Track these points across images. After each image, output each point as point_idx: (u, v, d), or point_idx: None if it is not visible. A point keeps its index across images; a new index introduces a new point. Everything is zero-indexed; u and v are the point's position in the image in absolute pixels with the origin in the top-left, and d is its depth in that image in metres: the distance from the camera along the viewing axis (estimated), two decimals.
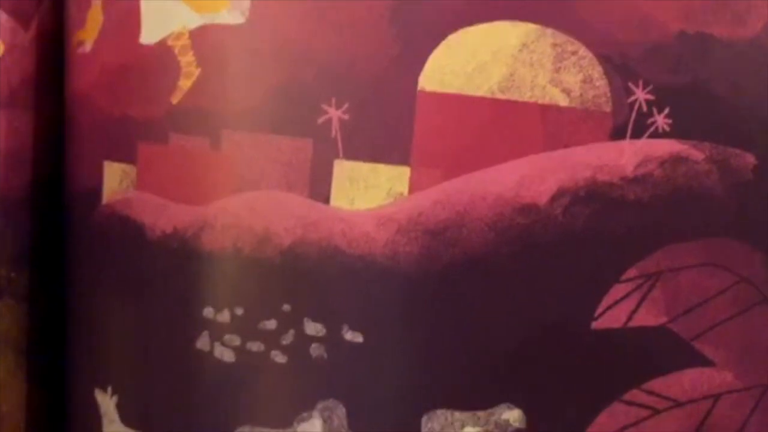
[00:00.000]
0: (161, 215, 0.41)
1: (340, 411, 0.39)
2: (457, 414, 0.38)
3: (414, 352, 0.38)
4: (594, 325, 0.37)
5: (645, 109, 0.37)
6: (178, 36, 0.40)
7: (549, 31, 0.37)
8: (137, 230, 0.42)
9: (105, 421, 0.44)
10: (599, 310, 0.37)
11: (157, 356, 0.42)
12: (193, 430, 0.41)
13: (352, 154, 0.38)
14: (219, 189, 0.40)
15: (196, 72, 0.40)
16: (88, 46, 0.44)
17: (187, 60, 0.40)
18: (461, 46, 0.37)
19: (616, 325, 0.37)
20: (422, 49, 0.37)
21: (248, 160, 0.39)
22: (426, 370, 0.38)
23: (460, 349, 0.38)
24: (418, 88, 0.38)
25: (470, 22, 0.37)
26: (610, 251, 0.37)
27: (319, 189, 0.39)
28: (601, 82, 0.37)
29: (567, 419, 0.38)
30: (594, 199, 0.37)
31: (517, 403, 0.38)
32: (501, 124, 0.37)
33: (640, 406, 0.38)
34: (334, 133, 0.38)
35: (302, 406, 0.39)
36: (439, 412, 0.38)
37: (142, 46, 0.41)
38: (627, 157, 0.37)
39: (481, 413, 0.38)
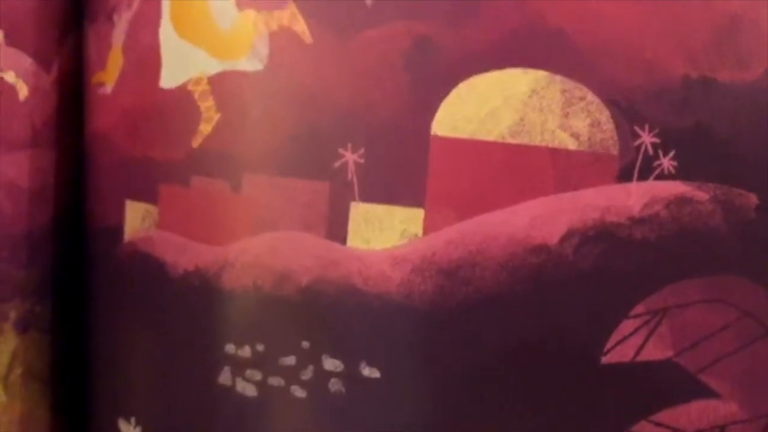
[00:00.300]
0: (183, 254, 0.42)
1: None
2: None
3: (429, 387, 0.39)
4: (603, 359, 0.39)
5: (651, 151, 0.38)
6: (198, 81, 0.41)
7: (558, 77, 0.38)
8: (159, 268, 0.43)
9: None
10: (608, 345, 0.39)
11: (180, 389, 0.43)
12: None
13: (368, 197, 0.39)
14: (239, 230, 0.41)
15: (216, 117, 0.41)
16: (108, 88, 0.46)
17: (206, 105, 0.41)
18: (473, 93, 0.38)
19: (625, 359, 0.39)
20: (435, 96, 0.38)
21: (268, 202, 0.40)
22: (441, 405, 0.39)
23: (474, 384, 0.39)
24: (431, 133, 0.39)
25: (481, 70, 0.38)
26: (618, 289, 0.38)
27: (336, 230, 0.40)
28: (608, 126, 0.38)
29: None
30: (603, 238, 0.38)
31: None
32: (512, 168, 0.38)
33: None
34: (350, 176, 0.40)
35: None
36: None
37: (162, 90, 0.43)
38: (634, 198, 0.38)
39: None
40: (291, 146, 0.40)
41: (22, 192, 0.47)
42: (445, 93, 0.38)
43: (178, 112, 0.42)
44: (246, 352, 0.41)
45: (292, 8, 0.40)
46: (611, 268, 0.38)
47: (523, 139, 0.38)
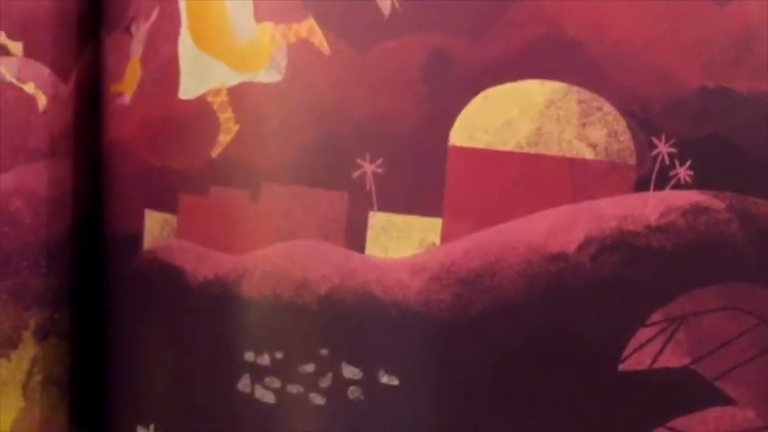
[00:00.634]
0: (202, 262, 0.43)
1: None
2: None
3: (448, 395, 0.40)
4: (621, 367, 0.39)
5: (667, 161, 0.38)
6: (217, 93, 0.42)
7: (575, 88, 0.38)
8: (178, 276, 0.44)
9: None
10: (626, 352, 0.39)
11: (199, 396, 0.44)
12: None
13: (386, 206, 0.40)
14: (258, 239, 0.41)
15: (235, 128, 0.41)
16: (126, 98, 0.46)
17: (226, 116, 0.42)
18: (490, 103, 0.39)
19: (642, 366, 0.39)
20: (452, 106, 0.39)
21: (286, 212, 0.41)
22: (459, 413, 0.40)
23: (492, 391, 0.39)
24: (449, 143, 0.39)
25: (498, 81, 0.39)
26: (635, 296, 0.39)
27: (355, 239, 0.40)
28: (625, 137, 0.38)
29: None
30: (620, 247, 0.38)
31: None
32: (529, 177, 0.38)
33: None
34: (368, 186, 0.40)
35: None
36: None
37: (181, 101, 0.43)
38: (651, 207, 0.38)
39: None
40: (310, 156, 0.40)
41: (41, 201, 0.47)
42: (463, 104, 0.39)
43: (197, 122, 0.43)
44: (265, 359, 0.42)
45: (311, 20, 0.40)
46: (628, 276, 0.38)
47: (540, 149, 0.38)
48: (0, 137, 0.45)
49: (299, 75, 0.40)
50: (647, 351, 0.39)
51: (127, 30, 0.46)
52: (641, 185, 0.38)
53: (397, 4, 0.39)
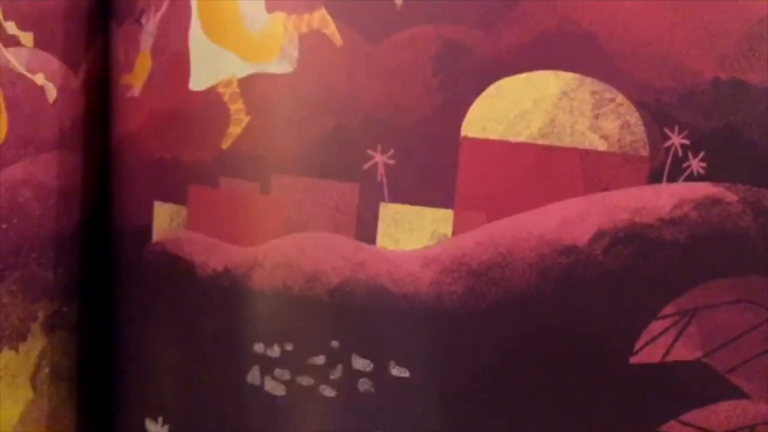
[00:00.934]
0: (212, 255, 0.43)
1: None
2: None
3: (458, 386, 0.40)
4: (633, 359, 0.39)
5: (680, 153, 0.38)
6: (228, 84, 0.42)
7: (588, 79, 0.38)
8: (188, 268, 0.44)
9: None
10: (638, 345, 0.39)
11: (209, 388, 0.44)
12: None
13: (398, 198, 0.40)
14: (269, 231, 0.41)
15: (246, 119, 0.41)
16: (136, 90, 0.46)
17: (236, 107, 0.41)
18: (503, 94, 0.38)
19: (654, 359, 0.39)
20: (465, 98, 0.39)
21: (297, 204, 0.41)
22: (470, 404, 0.40)
23: (503, 384, 0.39)
24: (461, 134, 0.39)
25: (511, 72, 0.38)
26: (647, 289, 0.38)
27: (366, 231, 0.40)
28: (638, 128, 0.38)
29: None
30: (632, 239, 0.38)
31: None
32: (542, 169, 0.38)
33: None
34: (380, 177, 0.40)
35: None
36: None
37: (191, 92, 0.43)
38: (664, 199, 0.38)
39: None
40: (321, 148, 0.40)
41: (50, 193, 0.47)
42: (475, 95, 0.39)
43: (208, 114, 0.42)
44: (275, 351, 0.42)
45: (323, 11, 0.40)
46: (641, 268, 0.38)
47: (553, 141, 0.38)
48: (9, 128, 0.45)
49: (311, 66, 0.40)
50: (659, 344, 0.39)
51: (138, 21, 0.46)
52: (654, 177, 0.38)
53: None
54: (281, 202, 0.41)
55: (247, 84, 0.41)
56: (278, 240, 0.41)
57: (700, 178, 0.38)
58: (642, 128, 0.38)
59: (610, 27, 0.38)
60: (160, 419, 0.46)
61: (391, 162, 0.40)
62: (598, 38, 0.38)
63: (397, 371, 0.40)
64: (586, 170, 0.38)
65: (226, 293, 0.42)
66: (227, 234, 0.42)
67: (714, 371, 0.39)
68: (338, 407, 0.41)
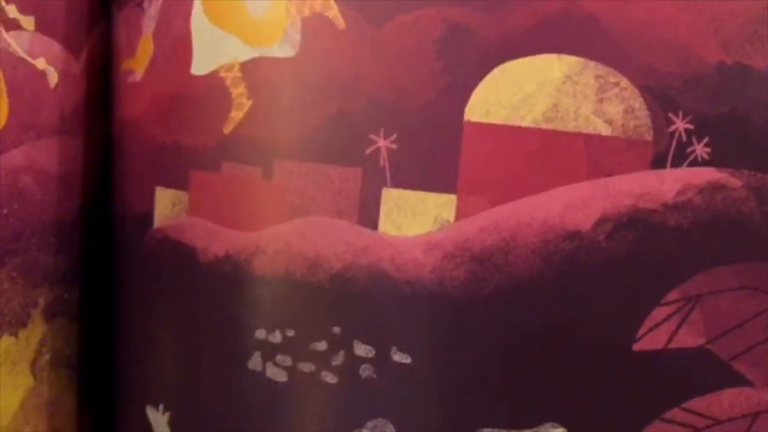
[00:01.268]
0: (213, 240, 0.43)
1: (389, 430, 0.40)
2: None
3: (460, 372, 0.39)
4: (635, 346, 0.39)
5: (685, 138, 0.38)
6: (230, 68, 0.42)
7: (592, 63, 0.38)
8: (189, 254, 0.43)
9: None
10: (641, 332, 0.39)
11: (210, 375, 0.43)
12: None
13: (400, 183, 0.39)
14: (270, 216, 0.41)
15: (248, 103, 0.41)
16: (138, 75, 0.46)
17: (238, 92, 0.41)
18: (506, 78, 0.38)
19: (657, 346, 0.39)
20: (468, 81, 0.38)
21: (299, 189, 0.40)
22: (472, 390, 0.39)
23: (506, 370, 0.39)
24: (465, 118, 0.39)
25: (515, 55, 0.38)
26: (651, 275, 0.38)
27: (368, 216, 0.40)
28: (642, 113, 0.38)
29: None
30: (636, 225, 0.38)
31: (561, 421, 0.39)
32: (545, 154, 0.38)
33: (680, 424, 0.39)
34: (382, 162, 0.40)
35: (352, 425, 0.40)
36: (485, 430, 0.39)
37: (193, 76, 0.43)
38: (668, 184, 0.38)
39: (526, 431, 0.39)
40: (323, 132, 0.40)
41: (52, 178, 0.47)
42: (479, 79, 0.38)
43: (210, 98, 0.42)
44: (276, 337, 0.41)
45: None
46: (644, 254, 0.38)
47: (556, 125, 0.38)
48: (10, 113, 0.45)
49: (313, 50, 0.40)
50: (662, 330, 0.39)
51: (139, 5, 0.45)
52: (658, 162, 0.38)
53: None
54: (283, 187, 0.41)
55: (249, 68, 0.41)
56: (280, 225, 0.41)
57: (704, 163, 0.38)
58: (646, 113, 0.38)
59: (615, 10, 0.38)
60: (161, 406, 0.45)
61: (394, 146, 0.39)
62: (602, 22, 0.38)
63: (399, 357, 0.40)
64: (589, 155, 0.38)
65: (228, 279, 0.42)
66: (229, 219, 0.42)
67: (717, 358, 0.39)
68: (340, 393, 0.40)
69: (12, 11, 0.44)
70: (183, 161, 0.43)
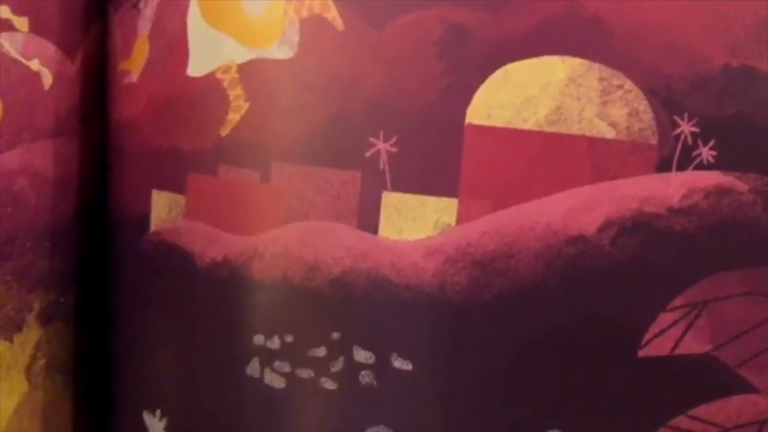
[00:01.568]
0: (211, 244, 0.42)
1: None
2: None
3: (462, 379, 0.39)
4: (641, 352, 0.38)
5: (690, 141, 0.38)
6: (227, 69, 0.41)
7: (596, 65, 0.37)
8: (186, 258, 0.43)
9: None
10: (646, 338, 0.38)
11: (207, 381, 0.43)
12: None
13: (400, 186, 0.39)
14: (269, 220, 0.41)
15: (245, 106, 0.41)
16: (134, 77, 0.45)
17: (235, 93, 0.41)
18: (509, 80, 0.38)
19: (663, 353, 0.38)
20: (469, 84, 0.38)
21: (298, 192, 0.40)
22: (473, 397, 0.39)
23: (508, 376, 0.39)
24: (466, 121, 0.38)
25: (517, 57, 0.38)
26: (656, 280, 0.38)
27: (368, 220, 0.39)
28: (647, 115, 0.38)
29: None
30: (641, 229, 0.38)
31: (565, 428, 0.38)
32: (548, 157, 0.38)
33: None
34: (382, 165, 0.39)
35: None
36: None
37: (189, 78, 0.42)
38: (673, 188, 0.37)
39: None
40: (322, 135, 0.39)
41: (46, 181, 0.46)
42: (480, 81, 0.38)
43: (206, 100, 0.42)
44: (275, 343, 0.41)
45: None
46: (649, 259, 0.38)
47: (560, 128, 0.37)
48: (4, 115, 0.45)
49: (312, 51, 0.39)
50: (668, 336, 0.38)
51: (135, 6, 0.45)
52: (663, 166, 0.38)
53: None
54: (281, 190, 0.40)
55: (247, 70, 0.40)
56: (278, 229, 0.40)
57: (710, 166, 0.38)
58: (651, 115, 0.37)
59: (619, 12, 0.37)
60: (158, 412, 0.45)
61: (394, 149, 0.39)
62: (606, 23, 0.37)
63: (399, 364, 0.39)
64: (593, 158, 0.37)
65: (225, 284, 0.42)
66: (226, 223, 0.41)
67: (724, 365, 0.38)
68: (339, 400, 0.40)
69: (5, 12, 0.44)
70: (179, 164, 0.43)
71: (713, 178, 0.38)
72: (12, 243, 0.45)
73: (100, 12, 0.47)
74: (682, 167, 0.37)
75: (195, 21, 0.42)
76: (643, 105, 0.37)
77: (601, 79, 0.37)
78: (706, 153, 0.38)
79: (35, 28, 0.45)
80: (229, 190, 0.41)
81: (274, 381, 0.41)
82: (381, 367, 0.39)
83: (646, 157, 0.37)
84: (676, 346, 0.38)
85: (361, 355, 0.40)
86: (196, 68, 0.42)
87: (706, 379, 0.38)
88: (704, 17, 0.37)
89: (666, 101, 0.37)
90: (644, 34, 0.37)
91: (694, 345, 0.38)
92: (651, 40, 0.37)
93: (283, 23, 0.40)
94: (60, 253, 0.47)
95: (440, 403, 0.39)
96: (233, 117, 0.41)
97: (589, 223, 0.37)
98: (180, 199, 0.43)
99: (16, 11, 0.44)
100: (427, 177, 0.38)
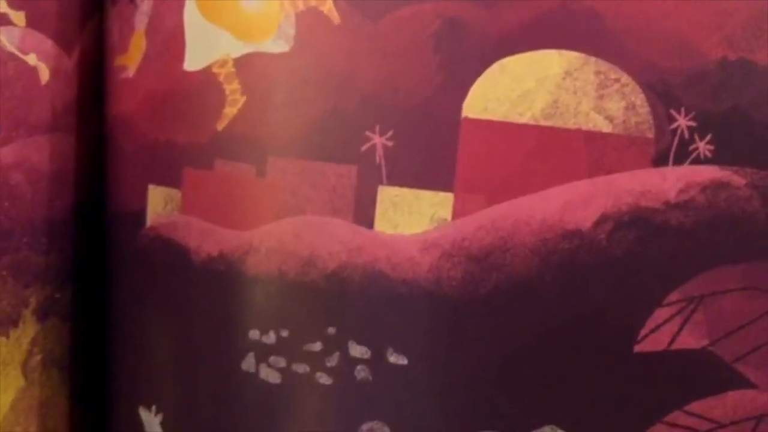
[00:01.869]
0: (207, 239, 0.42)
1: None
2: None
3: (457, 374, 0.39)
4: (637, 347, 0.38)
5: (687, 135, 0.37)
6: (223, 64, 0.41)
7: (592, 59, 0.37)
8: (182, 253, 0.43)
9: None
10: (642, 333, 0.38)
11: (203, 376, 0.43)
12: None
13: (396, 181, 0.39)
14: (264, 214, 0.40)
15: (242, 100, 0.40)
16: (131, 72, 0.45)
17: (232, 88, 0.41)
18: (505, 74, 0.38)
19: (659, 348, 0.38)
20: (466, 77, 0.38)
21: (293, 187, 0.40)
22: (469, 393, 0.39)
23: (504, 372, 0.39)
24: (462, 115, 0.38)
25: (514, 51, 0.38)
26: (652, 275, 0.38)
27: (364, 214, 0.39)
28: (643, 109, 0.37)
29: None
30: (637, 224, 0.37)
31: (561, 424, 0.38)
32: (545, 151, 0.37)
33: (683, 428, 0.38)
34: (378, 159, 0.39)
35: (347, 428, 0.40)
36: None
37: (186, 73, 0.42)
38: (669, 183, 0.37)
39: None
40: (317, 129, 0.39)
41: (42, 176, 0.46)
42: (476, 74, 0.38)
43: (203, 94, 0.41)
44: (270, 338, 0.41)
45: None
46: (646, 254, 0.37)
47: (556, 122, 0.37)
48: (0, 109, 0.45)
49: (308, 45, 0.39)
50: (665, 331, 0.38)
51: (132, 1, 0.45)
52: (660, 160, 0.37)
53: None
54: (277, 185, 0.40)
55: (243, 64, 0.40)
56: (274, 224, 0.40)
57: (707, 161, 0.37)
58: (647, 109, 0.37)
59: (616, 5, 0.37)
60: (153, 407, 0.45)
61: (390, 144, 0.39)
62: (602, 17, 0.37)
63: (395, 358, 0.39)
64: (589, 152, 0.37)
65: (221, 278, 0.41)
66: (222, 218, 0.41)
67: (720, 360, 0.38)
68: (335, 395, 0.40)
69: (2, 6, 0.44)
70: (176, 159, 0.43)
71: (710, 172, 0.37)
72: (8, 238, 0.45)
73: (97, 7, 0.47)
74: (678, 161, 0.37)
75: (191, 16, 0.42)
76: (639, 99, 0.37)
77: (598, 73, 0.37)
78: (702, 147, 0.37)
79: (32, 23, 0.45)
80: (225, 184, 0.41)
81: (270, 376, 0.41)
82: (376, 361, 0.39)
83: (643, 152, 0.37)
84: (672, 341, 0.38)
85: (357, 350, 0.39)
86: (192, 63, 0.42)
87: (702, 374, 0.38)
88: (701, 11, 0.37)
89: (663, 95, 0.37)
90: (641, 27, 0.37)
91: (690, 340, 0.38)
92: (648, 34, 0.37)
93: (280, 17, 0.40)
94: (56, 248, 0.47)
95: (436, 397, 0.39)
96: (229, 111, 0.41)
97: (585, 218, 0.37)
98: (176, 193, 0.43)
99: (14, 5, 0.44)
100: (423, 171, 0.38)
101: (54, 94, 0.46)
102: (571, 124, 0.37)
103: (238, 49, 0.41)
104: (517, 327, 0.38)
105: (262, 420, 0.41)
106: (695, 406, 0.38)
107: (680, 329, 0.38)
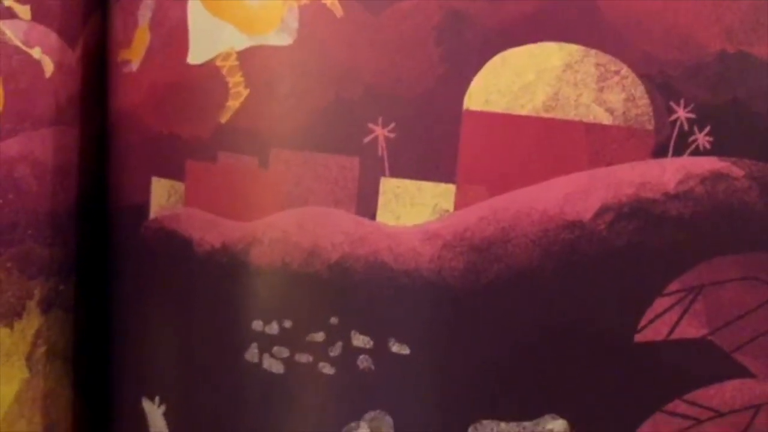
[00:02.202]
0: (210, 230, 0.42)
1: (387, 421, 0.40)
2: (503, 425, 0.39)
3: (459, 363, 0.39)
4: (637, 337, 0.38)
5: (686, 127, 0.38)
6: (226, 57, 0.41)
7: (592, 51, 0.38)
8: (185, 244, 0.43)
9: (152, 431, 0.46)
10: (642, 323, 0.38)
11: (206, 367, 0.43)
12: None
13: (399, 172, 0.39)
14: (267, 206, 0.41)
15: (245, 92, 0.41)
16: (134, 65, 0.45)
17: (235, 81, 0.41)
18: (506, 66, 0.38)
19: (659, 337, 0.38)
20: (467, 70, 0.38)
21: (296, 178, 0.40)
22: (471, 382, 0.39)
23: (505, 361, 0.39)
24: (464, 107, 0.39)
25: (515, 43, 0.38)
26: (652, 266, 0.38)
27: (366, 206, 0.39)
28: (643, 101, 0.38)
29: (610, 429, 0.39)
30: (637, 215, 0.38)
31: (561, 413, 0.39)
32: (546, 143, 0.38)
33: (683, 416, 0.39)
34: (380, 151, 0.39)
35: (350, 417, 0.40)
36: (485, 422, 0.39)
37: (189, 66, 0.42)
38: (669, 174, 0.38)
39: (526, 423, 0.39)
40: (320, 121, 0.40)
41: (47, 169, 0.46)
42: (478, 67, 0.38)
43: (206, 87, 0.42)
44: (273, 328, 0.41)
45: None
46: (645, 244, 0.38)
47: (557, 114, 0.38)
48: (5, 103, 0.45)
49: (311, 37, 0.39)
50: (664, 321, 0.38)
51: None
52: (659, 151, 0.38)
53: None
54: (280, 176, 0.40)
55: (246, 57, 0.41)
56: (277, 215, 0.40)
57: (706, 152, 0.38)
58: (647, 101, 0.38)
59: None
60: (156, 399, 0.45)
61: (392, 135, 0.39)
62: (602, 9, 0.37)
63: (397, 348, 0.39)
64: (590, 144, 0.38)
65: (224, 270, 0.42)
66: (225, 210, 0.42)
67: (720, 349, 0.38)
68: (338, 385, 0.40)
69: (7, 0, 0.44)
70: (179, 151, 0.43)
71: (709, 163, 0.38)
72: (13, 230, 0.46)
73: (101, 1, 0.48)
74: (678, 153, 0.38)
75: (195, 9, 0.42)
76: (639, 91, 0.38)
77: (598, 65, 0.37)
78: (702, 139, 0.38)
79: (37, 17, 0.45)
80: (228, 176, 0.41)
81: (273, 366, 0.41)
82: (379, 351, 0.39)
83: (643, 143, 0.38)
84: (672, 330, 0.38)
85: (359, 340, 0.40)
86: (196, 56, 0.42)
87: (701, 363, 0.38)
88: (701, 3, 0.37)
89: (662, 87, 0.37)
90: (641, 20, 0.37)
91: (690, 330, 0.38)
92: (647, 26, 0.37)
93: (283, 10, 0.40)
94: (60, 241, 0.47)
95: (438, 387, 0.39)
96: (232, 104, 0.41)
97: (585, 209, 0.38)
98: (179, 186, 0.43)
99: None
100: (425, 163, 0.39)
101: (58, 88, 0.46)
102: (571, 116, 0.38)
103: (241, 42, 0.41)
104: (518, 317, 0.38)
105: (265, 410, 0.41)
106: (695, 395, 0.38)
107: (680, 319, 0.38)
